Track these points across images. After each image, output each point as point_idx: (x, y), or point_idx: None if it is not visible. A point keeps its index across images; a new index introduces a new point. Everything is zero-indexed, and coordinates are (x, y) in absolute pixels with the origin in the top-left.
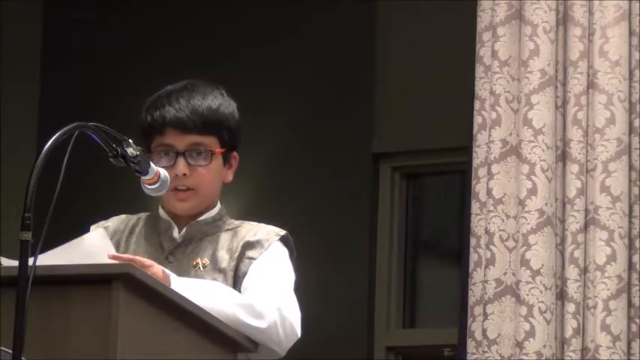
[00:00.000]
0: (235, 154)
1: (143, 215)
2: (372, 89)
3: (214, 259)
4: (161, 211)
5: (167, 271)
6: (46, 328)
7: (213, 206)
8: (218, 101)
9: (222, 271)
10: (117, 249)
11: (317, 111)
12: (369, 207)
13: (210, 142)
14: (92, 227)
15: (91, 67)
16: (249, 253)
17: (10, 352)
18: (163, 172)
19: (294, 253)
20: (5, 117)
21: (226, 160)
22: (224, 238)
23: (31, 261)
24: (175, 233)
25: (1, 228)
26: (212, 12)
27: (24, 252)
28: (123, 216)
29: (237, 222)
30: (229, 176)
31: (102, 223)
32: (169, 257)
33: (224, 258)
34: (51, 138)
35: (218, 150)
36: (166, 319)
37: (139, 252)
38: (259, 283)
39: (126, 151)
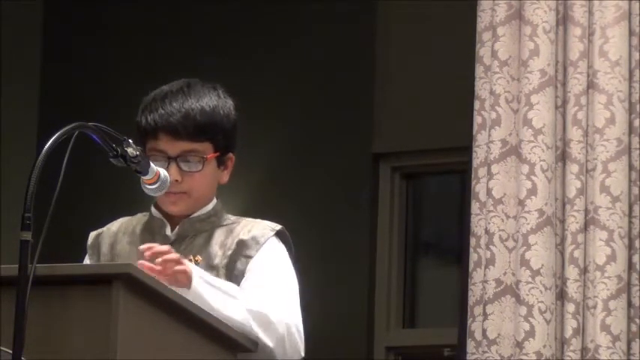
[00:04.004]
0: (231, 155)
1: (139, 215)
2: (372, 89)
3: (207, 256)
4: (154, 210)
5: (194, 266)
6: (46, 328)
7: (208, 204)
8: (213, 103)
9: (214, 267)
10: (110, 250)
11: (317, 111)
12: (369, 207)
13: (204, 147)
14: (91, 234)
15: (92, 67)
16: (246, 251)
17: (10, 352)
18: (163, 172)
19: (292, 248)
20: (5, 117)
21: (221, 163)
22: (218, 234)
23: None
24: (168, 231)
25: (1, 228)
26: (213, 11)
27: (24, 252)
28: (120, 219)
29: (233, 218)
30: (225, 177)
31: (99, 230)
32: None
33: (217, 254)
34: (51, 138)
35: (211, 155)
36: (166, 319)
37: (133, 251)
38: (265, 289)
39: (126, 151)
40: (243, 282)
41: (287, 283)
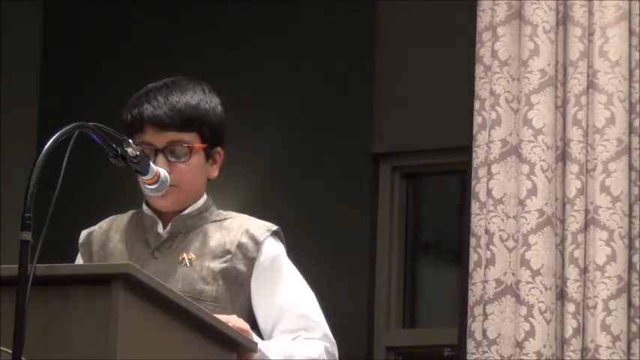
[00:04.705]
0: (219, 149)
1: (129, 212)
2: (372, 89)
3: (201, 255)
4: (145, 207)
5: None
6: (46, 328)
7: (198, 199)
8: (198, 97)
9: (209, 268)
10: (102, 249)
11: (317, 111)
12: (369, 207)
13: (190, 138)
14: (82, 232)
15: (92, 67)
16: (247, 254)
17: (10, 352)
18: (163, 172)
19: (285, 249)
20: (5, 117)
21: (209, 156)
22: (212, 231)
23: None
24: (160, 229)
25: (1, 228)
26: (213, 11)
27: (24, 252)
28: (111, 217)
29: (224, 213)
30: (214, 172)
31: (91, 228)
32: (155, 253)
33: (213, 254)
34: (51, 138)
35: (198, 145)
36: (166, 319)
37: (125, 249)
38: (306, 328)
39: (126, 151)
40: (256, 292)
41: (315, 309)
